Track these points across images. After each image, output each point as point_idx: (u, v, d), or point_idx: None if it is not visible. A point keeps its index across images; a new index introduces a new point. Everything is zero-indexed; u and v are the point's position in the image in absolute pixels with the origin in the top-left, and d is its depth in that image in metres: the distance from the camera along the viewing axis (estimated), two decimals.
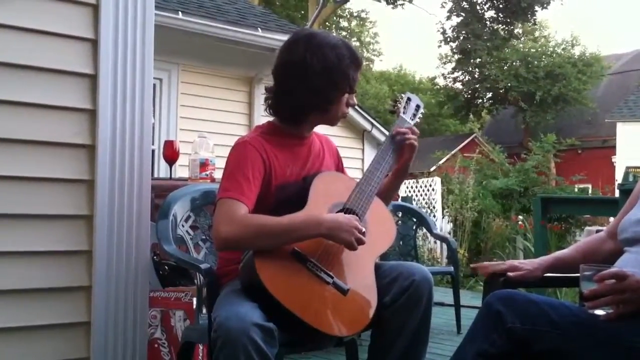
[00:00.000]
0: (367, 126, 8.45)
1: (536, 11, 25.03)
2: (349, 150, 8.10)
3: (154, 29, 2.55)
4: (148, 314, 2.61)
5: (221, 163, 2.22)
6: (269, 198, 2.04)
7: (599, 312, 1.59)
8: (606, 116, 19.77)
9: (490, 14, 25.79)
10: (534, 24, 26.44)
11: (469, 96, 26.25)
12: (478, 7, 25.72)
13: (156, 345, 2.80)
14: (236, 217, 1.91)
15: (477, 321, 1.65)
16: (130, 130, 2.45)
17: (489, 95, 25.90)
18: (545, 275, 1.98)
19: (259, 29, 7.07)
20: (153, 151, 6.00)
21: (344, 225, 1.91)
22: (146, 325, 2.56)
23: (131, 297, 2.45)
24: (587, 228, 6.54)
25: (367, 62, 33.50)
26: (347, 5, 28.91)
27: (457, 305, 4.36)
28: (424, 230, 5.50)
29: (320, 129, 2.26)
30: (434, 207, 10.32)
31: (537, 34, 27.34)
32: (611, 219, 3.15)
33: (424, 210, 9.08)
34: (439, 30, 26.69)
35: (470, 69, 25.87)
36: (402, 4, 25.49)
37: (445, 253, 9.00)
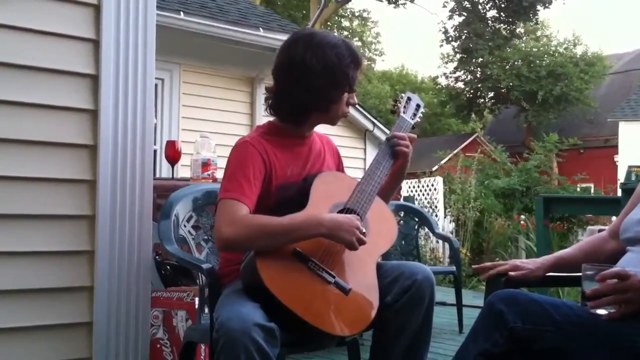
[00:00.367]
0: (369, 126, 8.45)
1: (538, 10, 24.99)
2: (350, 150, 8.10)
3: (155, 29, 2.55)
4: (150, 314, 2.62)
5: (223, 163, 2.22)
6: (269, 198, 2.04)
7: (601, 311, 1.59)
8: (608, 115, 19.75)
9: (492, 13, 25.77)
10: (536, 23, 26.40)
11: (471, 96, 26.23)
12: (480, 7, 25.69)
13: (158, 346, 2.80)
14: (237, 217, 1.91)
15: (479, 321, 1.65)
16: (132, 131, 2.46)
17: (491, 94, 25.87)
18: (547, 274, 1.98)
19: (260, 29, 7.07)
20: (155, 151, 6.01)
21: (345, 225, 1.91)
22: (148, 326, 2.56)
23: (133, 297, 2.45)
24: (590, 227, 6.52)
25: (369, 62, 33.50)
26: (349, 5, 28.92)
27: (459, 305, 4.36)
28: (426, 229, 5.49)
29: (322, 129, 2.26)
30: (436, 207, 10.32)
31: (539, 33, 27.32)
32: (613, 218, 3.15)
33: (426, 210, 9.07)
34: (440, 30, 26.64)
35: (472, 68, 25.84)
36: (404, 4, 25.49)
37: (447, 253, 9.00)
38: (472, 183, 10.46)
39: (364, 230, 1.94)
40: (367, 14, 33.75)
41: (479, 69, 25.48)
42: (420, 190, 10.70)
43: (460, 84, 26.70)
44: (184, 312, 2.80)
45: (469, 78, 26.30)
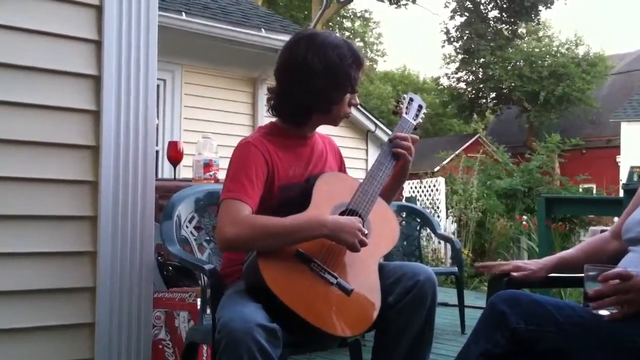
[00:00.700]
0: (371, 127, 8.46)
1: (540, 11, 25.00)
2: (352, 151, 8.11)
3: (157, 30, 2.55)
4: (152, 314, 2.62)
5: (225, 164, 2.22)
6: (272, 199, 2.04)
7: (603, 312, 1.59)
8: (610, 116, 19.74)
9: (494, 13, 25.79)
10: (538, 23, 26.39)
11: (473, 96, 26.22)
12: (482, 7, 25.70)
13: (160, 346, 2.81)
14: (240, 218, 1.91)
15: (481, 321, 1.64)
16: (134, 131, 2.46)
17: (493, 95, 25.87)
18: (550, 275, 1.97)
19: (262, 29, 7.07)
20: (157, 152, 6.00)
21: (347, 227, 1.91)
22: (150, 326, 2.56)
23: (135, 298, 2.45)
24: (592, 228, 6.51)
25: (370, 63, 33.50)
26: (351, 5, 28.95)
27: (461, 306, 4.36)
28: (428, 230, 5.49)
29: (324, 129, 2.26)
30: (437, 208, 10.31)
31: (540, 33, 27.28)
32: (615, 219, 3.15)
33: (428, 211, 9.07)
34: (442, 30, 26.69)
35: (474, 69, 25.85)
36: (406, 4, 25.47)
37: (449, 253, 8.99)
38: (474, 184, 10.45)
39: (366, 232, 1.94)
40: (369, 14, 33.81)
41: (480, 69, 25.49)
42: (422, 191, 10.69)
43: (462, 85, 26.71)
44: (186, 312, 2.80)
45: (470, 78, 26.30)
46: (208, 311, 2.28)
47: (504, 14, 25.51)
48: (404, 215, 4.68)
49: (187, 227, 2.42)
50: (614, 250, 1.97)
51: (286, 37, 2.64)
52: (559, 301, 1.67)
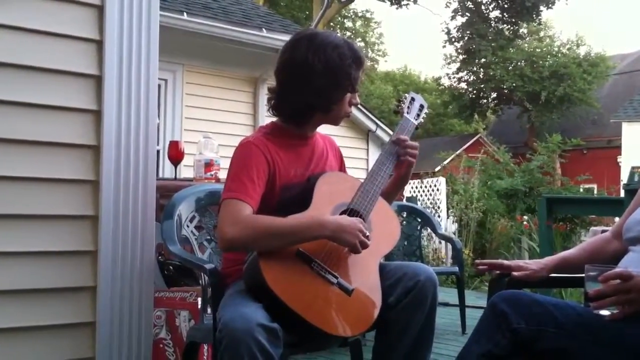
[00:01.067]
0: (372, 126, 8.45)
1: (541, 11, 24.97)
2: (353, 151, 8.11)
3: (158, 30, 2.55)
4: (153, 314, 2.62)
5: (226, 163, 2.22)
6: (273, 198, 2.04)
7: (604, 312, 1.59)
8: (611, 116, 19.70)
9: (495, 13, 25.75)
10: (539, 23, 26.36)
11: (474, 96, 26.19)
12: (483, 7, 25.67)
13: (161, 346, 2.81)
14: (241, 217, 1.91)
15: (482, 321, 1.64)
16: (135, 131, 2.46)
17: (494, 95, 25.84)
18: (550, 275, 1.97)
19: (263, 29, 7.07)
20: (158, 151, 5.98)
21: (348, 228, 1.91)
22: (151, 326, 2.56)
23: (136, 297, 2.45)
24: (593, 228, 6.51)
25: (371, 63, 33.48)
26: (352, 5, 28.94)
27: (462, 306, 4.36)
28: (429, 230, 5.50)
29: (324, 129, 2.26)
30: (438, 208, 10.31)
31: (542, 33, 27.26)
32: (616, 219, 3.14)
33: (429, 211, 9.07)
34: (443, 31, 26.62)
35: (475, 69, 25.82)
36: (407, 4, 25.45)
37: (450, 253, 8.99)
38: (475, 184, 10.45)
39: (367, 234, 1.94)
40: (370, 14, 33.83)
41: (481, 69, 25.46)
42: (423, 191, 10.68)
43: (463, 85, 26.68)
44: (186, 312, 2.80)
45: (471, 79, 26.27)
46: (209, 310, 2.28)
47: (505, 14, 25.48)
48: (404, 215, 4.68)
49: (187, 226, 2.42)
50: (614, 250, 1.97)
51: (287, 37, 2.64)
52: (559, 301, 1.67)
